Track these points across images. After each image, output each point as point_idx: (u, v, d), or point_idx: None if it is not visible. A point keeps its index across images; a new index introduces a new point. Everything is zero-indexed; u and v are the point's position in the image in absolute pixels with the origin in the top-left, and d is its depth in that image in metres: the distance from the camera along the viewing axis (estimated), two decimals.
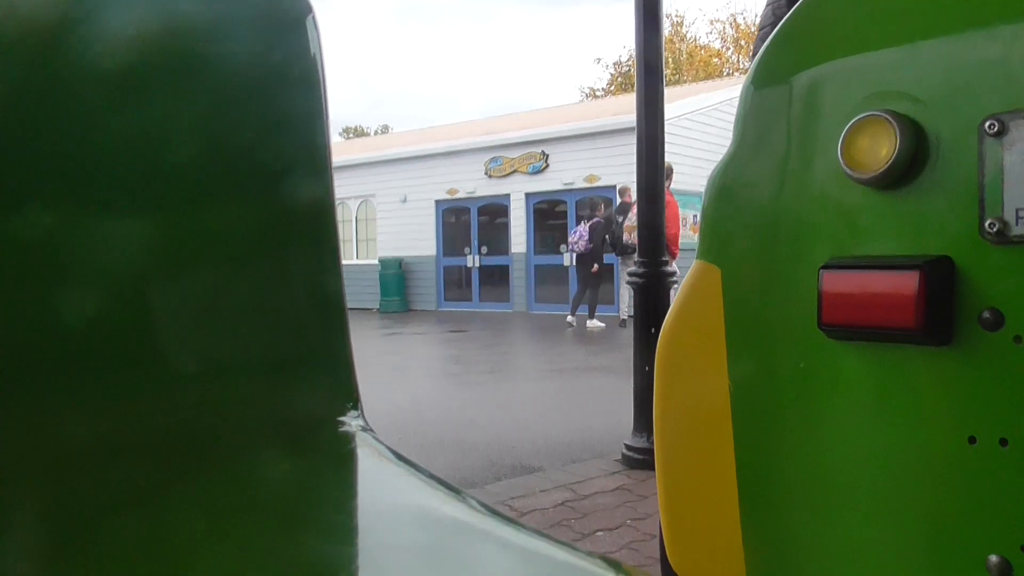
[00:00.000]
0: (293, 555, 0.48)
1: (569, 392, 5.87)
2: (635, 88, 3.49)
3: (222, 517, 0.54)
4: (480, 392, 5.95)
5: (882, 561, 0.75)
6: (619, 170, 12.47)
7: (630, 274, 3.56)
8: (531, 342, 9.26)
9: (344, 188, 16.35)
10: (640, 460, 3.38)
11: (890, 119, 0.69)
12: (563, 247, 14.00)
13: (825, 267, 0.75)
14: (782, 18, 2.65)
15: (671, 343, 0.96)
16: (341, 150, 19.25)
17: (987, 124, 0.66)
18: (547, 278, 14.34)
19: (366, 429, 0.69)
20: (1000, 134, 0.65)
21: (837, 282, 0.73)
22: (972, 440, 0.68)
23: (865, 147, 0.71)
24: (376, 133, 42.25)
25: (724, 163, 0.91)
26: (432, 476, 0.61)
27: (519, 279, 14.54)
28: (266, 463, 0.62)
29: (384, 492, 0.61)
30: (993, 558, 0.67)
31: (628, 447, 3.49)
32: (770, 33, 2.71)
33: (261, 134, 0.70)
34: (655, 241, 3.46)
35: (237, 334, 0.67)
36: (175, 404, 0.62)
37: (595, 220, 11.47)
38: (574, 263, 12.33)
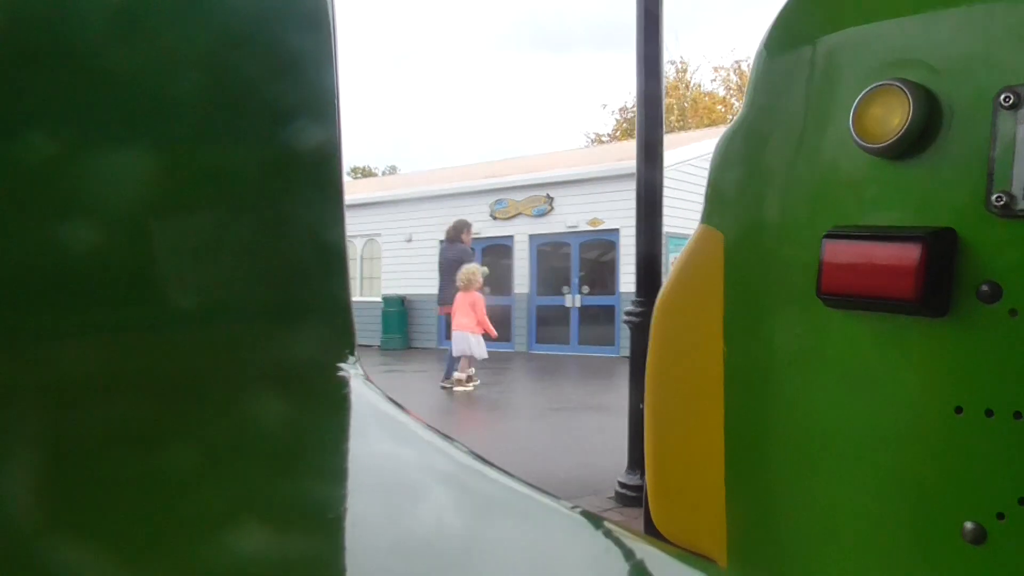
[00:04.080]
0: (286, 495, 0.49)
1: (566, 430, 5.86)
2: (635, 132, 3.59)
3: (217, 456, 0.54)
4: (477, 430, 5.95)
5: (860, 525, 0.76)
6: (623, 215, 12.58)
7: (627, 313, 3.61)
8: (530, 381, 9.25)
9: (350, 227, 16.41)
10: (633, 497, 3.39)
11: (904, 88, 0.68)
12: (565, 288, 14.05)
13: (828, 236, 0.74)
14: None
15: (669, 304, 0.96)
16: (348, 190, 19.40)
17: (1002, 96, 0.65)
18: (549, 319, 14.35)
19: (363, 376, 0.69)
20: (1015, 107, 0.64)
21: (839, 251, 0.73)
22: (959, 410, 0.68)
23: (877, 116, 0.70)
24: (383, 174, 42.67)
25: (733, 128, 0.90)
26: (424, 424, 0.61)
27: (521, 319, 14.56)
28: (262, 405, 0.62)
29: (377, 436, 0.61)
30: (969, 524, 0.67)
31: (622, 484, 3.50)
32: None
33: (268, 74, 0.68)
34: (652, 281, 3.51)
35: (237, 276, 0.66)
36: (174, 342, 0.62)
37: None
38: None
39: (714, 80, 35.07)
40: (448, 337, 8.58)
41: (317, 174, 0.73)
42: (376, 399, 0.66)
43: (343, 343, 0.72)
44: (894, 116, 0.69)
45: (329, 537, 0.46)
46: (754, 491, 0.87)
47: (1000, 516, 0.66)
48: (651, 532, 1.00)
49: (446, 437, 0.59)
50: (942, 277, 0.68)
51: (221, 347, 0.65)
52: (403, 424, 0.62)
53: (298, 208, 0.71)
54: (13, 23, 0.54)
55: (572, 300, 13.94)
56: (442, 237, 15.64)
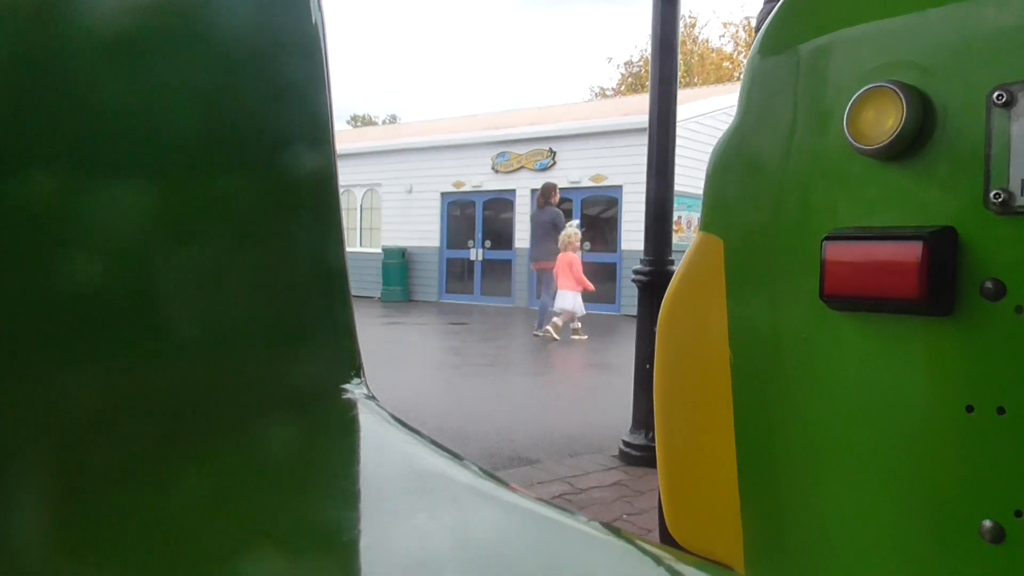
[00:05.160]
0: (297, 521, 0.49)
1: (569, 387, 5.90)
2: (648, 90, 3.52)
3: (226, 485, 0.55)
4: (480, 384, 5.98)
5: (878, 528, 0.76)
6: (626, 170, 12.48)
7: (635, 272, 3.59)
8: (531, 336, 9.29)
9: (350, 176, 16.37)
10: (637, 456, 3.41)
11: (897, 90, 0.69)
12: None
13: (828, 238, 0.74)
14: None
15: (673, 312, 0.97)
16: (348, 138, 19.21)
17: (995, 95, 0.65)
18: None
19: (369, 397, 0.70)
20: (1008, 104, 0.65)
21: (840, 253, 0.73)
22: (970, 409, 0.68)
23: (871, 119, 0.70)
24: (384, 123, 42.23)
25: (728, 134, 0.90)
26: (434, 442, 0.62)
27: (521, 274, 14.55)
28: (270, 431, 0.63)
29: (387, 458, 0.62)
30: (987, 523, 0.68)
31: (626, 443, 3.52)
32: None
33: (262, 103, 0.69)
34: (660, 240, 3.48)
35: (239, 303, 0.68)
36: (178, 373, 0.62)
37: None
38: None
39: (723, 36, 34.46)
40: (538, 294, 9.83)
41: (315, 198, 0.74)
42: (383, 419, 0.66)
43: (348, 364, 0.73)
44: (888, 118, 0.69)
45: (343, 561, 0.47)
46: (769, 496, 0.88)
47: (1018, 514, 0.66)
48: (667, 541, 1.03)
49: (456, 455, 0.60)
50: (945, 276, 0.68)
51: (226, 375, 0.66)
52: (412, 443, 0.63)
53: (298, 233, 0.72)
54: (8, 59, 0.54)
55: None
56: (443, 189, 15.65)
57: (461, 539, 0.49)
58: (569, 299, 8.79)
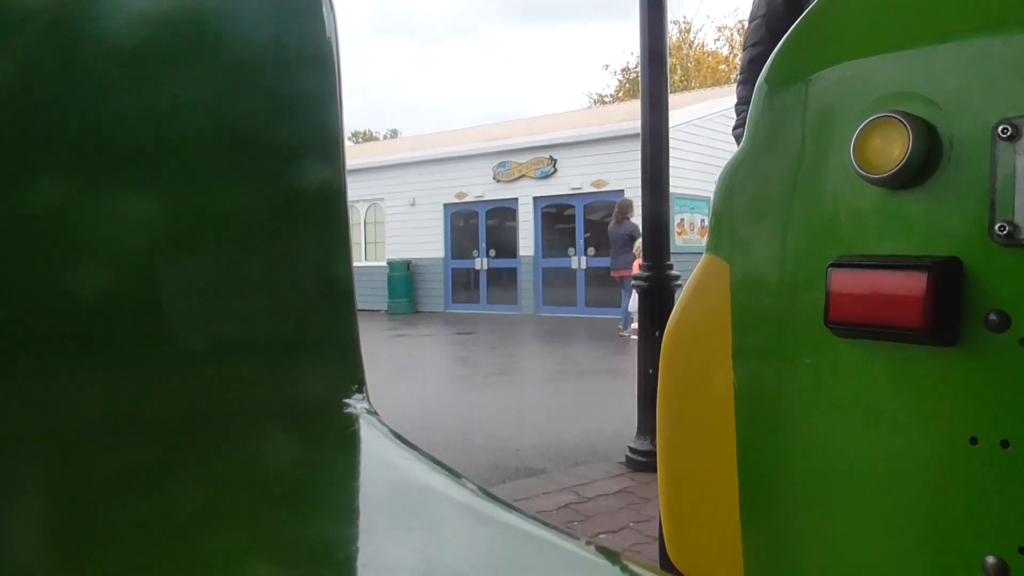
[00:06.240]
0: (296, 535, 0.49)
1: (575, 395, 5.89)
2: (640, 92, 3.53)
3: (227, 497, 0.54)
4: (486, 394, 5.98)
5: (880, 560, 0.76)
6: (627, 175, 12.49)
7: (635, 277, 3.59)
8: (538, 344, 9.29)
9: (353, 191, 16.43)
10: (643, 463, 3.40)
11: (903, 120, 0.70)
12: (571, 250, 14.02)
13: (834, 265, 0.75)
14: (774, 8, 2.52)
15: (677, 336, 0.96)
16: (350, 154, 19.30)
17: (1000, 128, 0.66)
18: (555, 281, 14.35)
19: (371, 412, 0.69)
20: (1013, 138, 0.65)
21: (845, 280, 0.74)
22: (973, 441, 0.68)
23: (878, 148, 0.71)
24: (385, 138, 42.39)
25: (736, 159, 0.91)
26: (434, 460, 0.61)
27: (527, 282, 14.57)
28: (271, 444, 0.62)
29: (387, 474, 0.61)
30: (990, 559, 0.67)
31: (632, 450, 3.51)
32: (761, 24, 2.58)
33: (274, 115, 0.69)
34: (659, 245, 3.49)
35: (244, 315, 0.67)
36: (181, 383, 0.62)
37: None
38: None
39: (718, 40, 34.48)
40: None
41: (323, 211, 0.74)
42: (384, 436, 0.66)
43: (351, 379, 0.72)
44: (894, 147, 0.70)
45: None
46: (770, 523, 0.87)
47: (1022, 551, 0.65)
48: (666, 566, 1.01)
49: (455, 473, 0.59)
50: (949, 306, 0.68)
51: (228, 386, 0.66)
52: (411, 460, 0.62)
53: (305, 245, 0.72)
54: (20, 69, 0.55)
55: (578, 262, 13.92)
56: (446, 200, 15.73)
57: (455, 558, 0.48)
58: None
